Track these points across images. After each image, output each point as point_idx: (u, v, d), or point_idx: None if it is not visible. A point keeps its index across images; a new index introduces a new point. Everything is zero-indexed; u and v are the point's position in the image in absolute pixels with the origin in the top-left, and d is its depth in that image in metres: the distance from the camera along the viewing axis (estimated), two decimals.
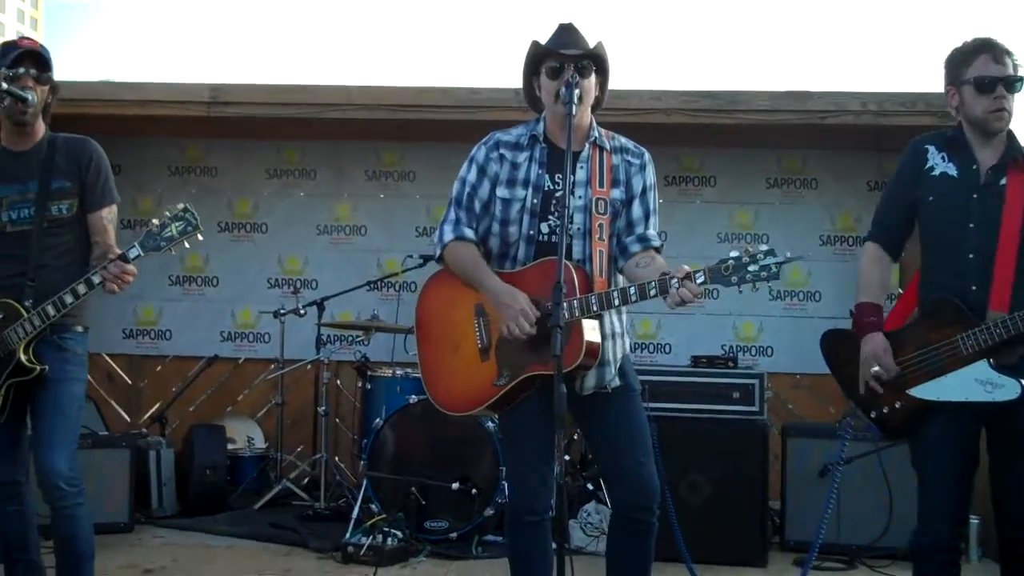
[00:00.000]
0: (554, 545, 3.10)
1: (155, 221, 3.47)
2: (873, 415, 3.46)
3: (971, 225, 3.29)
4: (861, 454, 5.14)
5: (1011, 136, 3.38)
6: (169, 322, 7.31)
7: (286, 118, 6.40)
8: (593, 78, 3.30)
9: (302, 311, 6.47)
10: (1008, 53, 3.31)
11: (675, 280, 2.94)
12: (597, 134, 3.36)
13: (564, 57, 3.25)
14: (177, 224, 3.45)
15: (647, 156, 3.41)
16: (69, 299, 3.47)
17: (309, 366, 6.73)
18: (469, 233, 3.33)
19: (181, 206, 3.48)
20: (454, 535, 5.32)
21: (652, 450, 3.31)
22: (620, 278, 3.35)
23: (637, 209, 3.34)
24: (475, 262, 3.29)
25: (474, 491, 5.27)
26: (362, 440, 5.90)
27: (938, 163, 3.40)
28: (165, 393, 7.09)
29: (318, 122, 6.44)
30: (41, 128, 3.71)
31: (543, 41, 3.32)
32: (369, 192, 7.29)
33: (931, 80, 3.47)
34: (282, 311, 6.51)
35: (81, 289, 3.47)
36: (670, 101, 6.10)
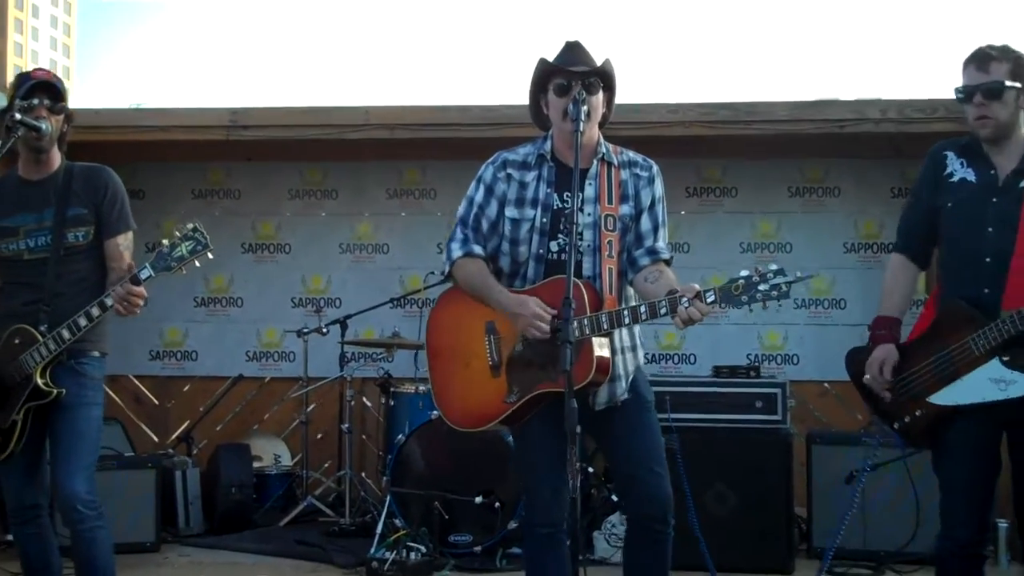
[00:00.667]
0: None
1: (165, 241, 3.51)
2: (896, 425, 3.47)
3: (989, 229, 3.28)
4: (887, 460, 5.08)
5: None
6: (195, 343, 7.36)
7: (306, 140, 6.45)
8: (600, 95, 3.31)
9: (324, 330, 6.50)
10: (995, 59, 3.28)
11: (685, 299, 2.94)
12: (605, 150, 3.36)
13: (571, 74, 3.26)
14: (187, 244, 3.48)
15: (655, 168, 3.41)
16: (83, 322, 3.51)
17: (334, 384, 6.75)
18: (478, 249, 3.35)
19: (191, 226, 3.51)
20: (478, 549, 5.32)
21: (665, 461, 3.30)
22: (630, 291, 3.35)
23: (646, 222, 3.35)
24: (484, 277, 3.30)
25: (497, 504, 5.27)
26: (386, 456, 5.92)
27: (957, 169, 3.40)
28: (192, 413, 7.13)
29: (338, 143, 6.48)
30: (57, 157, 3.77)
31: (550, 59, 3.33)
32: (391, 210, 7.31)
33: (951, 86, 3.46)
34: (305, 330, 6.55)
35: (95, 312, 3.51)
36: (688, 113, 6.09)
